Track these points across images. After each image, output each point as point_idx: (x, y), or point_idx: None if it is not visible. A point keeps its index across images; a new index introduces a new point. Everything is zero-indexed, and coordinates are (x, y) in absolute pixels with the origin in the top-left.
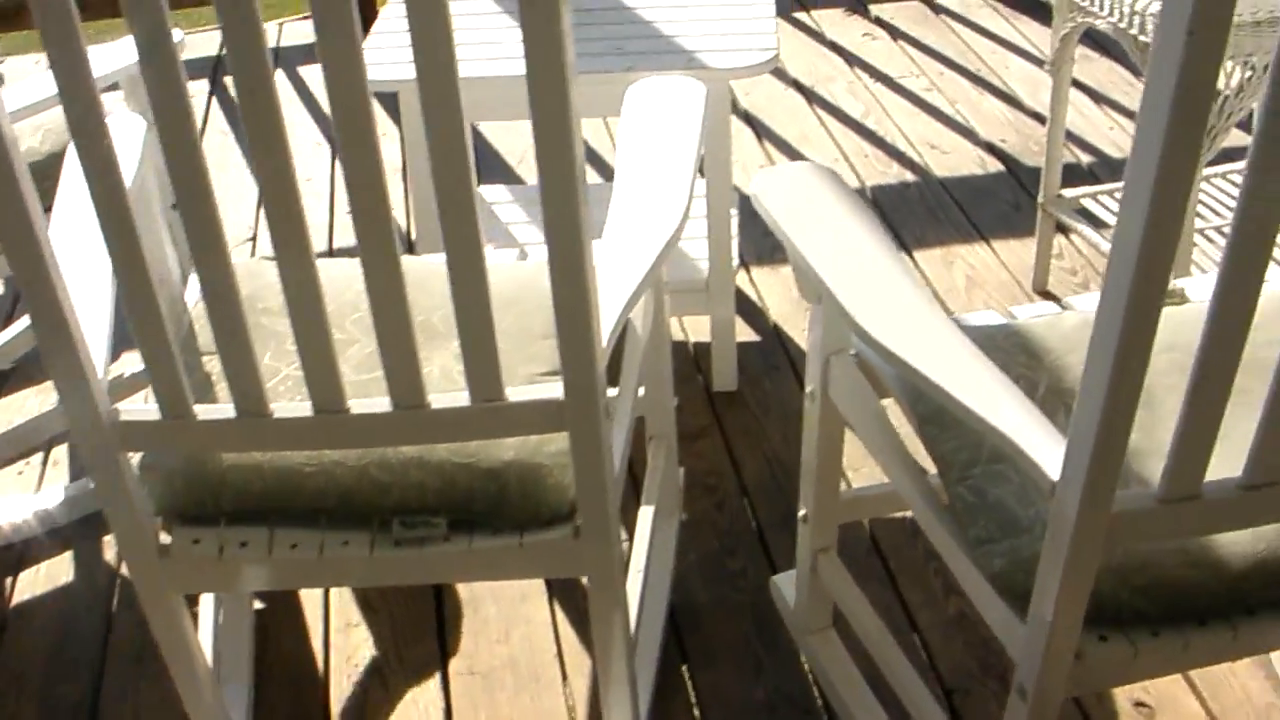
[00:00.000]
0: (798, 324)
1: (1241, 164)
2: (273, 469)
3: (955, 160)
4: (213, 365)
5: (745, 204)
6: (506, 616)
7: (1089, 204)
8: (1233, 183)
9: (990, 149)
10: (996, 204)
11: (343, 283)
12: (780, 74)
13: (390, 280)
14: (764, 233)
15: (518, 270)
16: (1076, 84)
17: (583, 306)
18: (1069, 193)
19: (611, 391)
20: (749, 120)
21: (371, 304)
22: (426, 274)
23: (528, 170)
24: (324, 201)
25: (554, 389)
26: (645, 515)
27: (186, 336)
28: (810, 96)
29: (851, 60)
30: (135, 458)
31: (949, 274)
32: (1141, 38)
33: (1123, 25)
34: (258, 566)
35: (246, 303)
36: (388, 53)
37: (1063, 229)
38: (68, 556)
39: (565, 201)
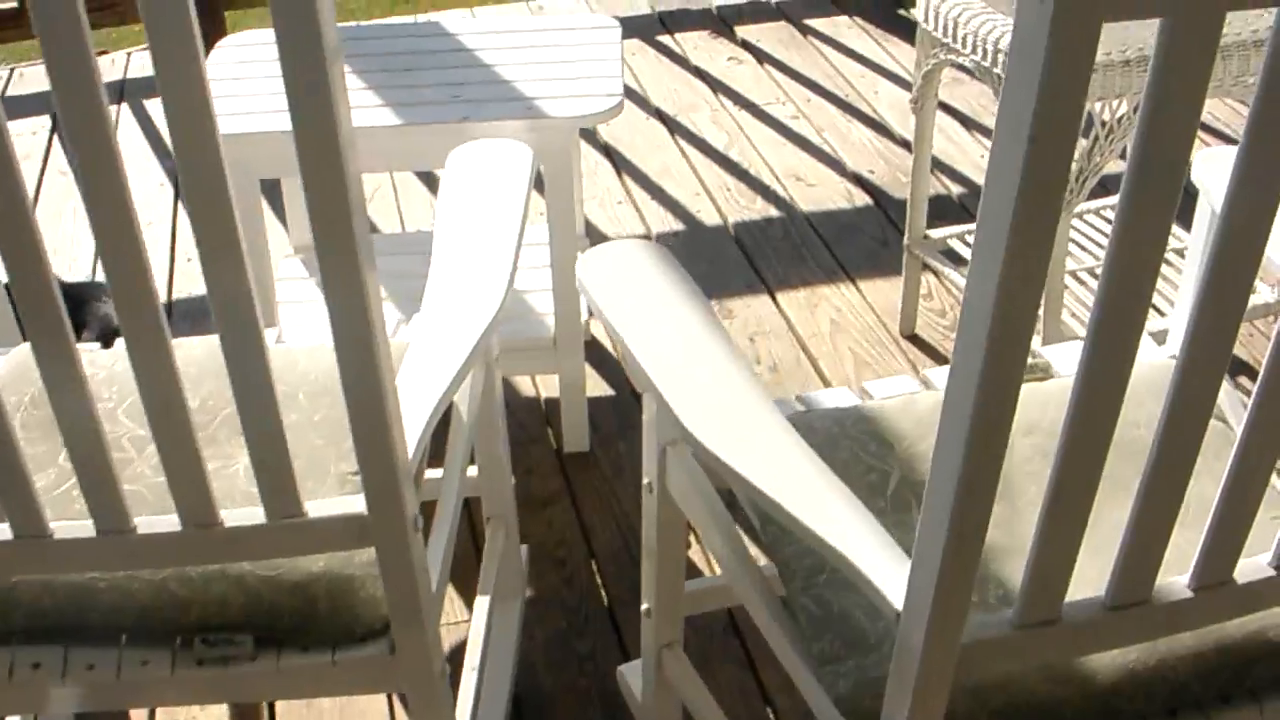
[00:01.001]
0: None
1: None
2: (64, 585)
3: (821, 193)
4: None
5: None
6: (341, 707)
7: (956, 245)
8: (1106, 219)
9: (858, 180)
10: (863, 240)
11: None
12: (643, 103)
13: (162, 378)
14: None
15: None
16: (946, 108)
17: (380, 419)
18: (936, 232)
19: (436, 473)
20: (608, 153)
21: (146, 408)
22: None
23: (401, 214)
24: (164, 247)
25: (357, 502)
26: (482, 605)
27: None
28: (672, 126)
29: (716, 86)
30: None
31: (813, 318)
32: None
33: (985, 64)
34: (53, 689)
35: (41, 396)
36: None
37: (931, 268)
38: None
39: (349, 293)
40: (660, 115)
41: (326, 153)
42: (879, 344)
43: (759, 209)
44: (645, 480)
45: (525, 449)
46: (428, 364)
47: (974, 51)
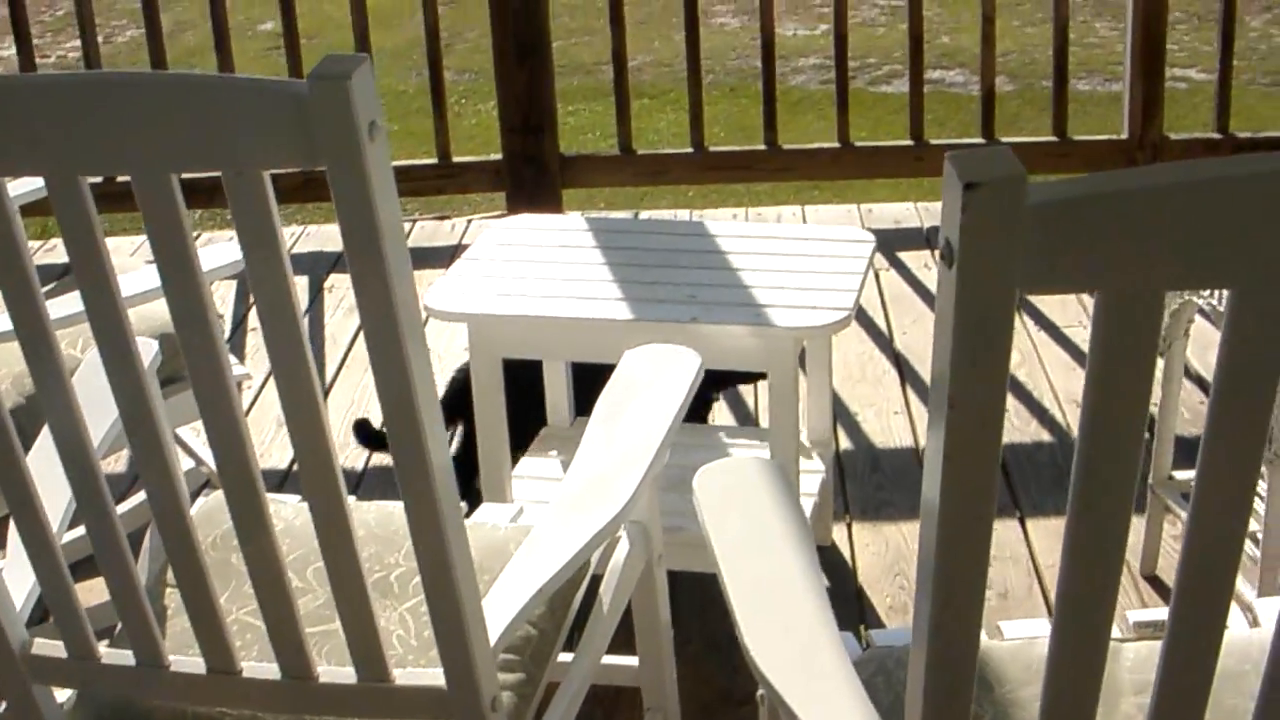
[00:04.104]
0: (883, 588)
1: None
2: (194, 715)
3: None
4: (173, 598)
5: (856, 454)
6: None
7: None
8: None
9: None
10: None
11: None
12: None
13: (262, 532)
14: (877, 486)
15: (493, 534)
16: None
17: (453, 604)
18: (1183, 474)
19: (566, 657)
20: (898, 361)
21: (247, 560)
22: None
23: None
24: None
25: (437, 675)
26: None
27: (162, 568)
28: None
29: (1021, 305)
30: None
31: (1057, 548)
32: None
33: (1222, 308)
34: None
35: (223, 540)
36: (467, 281)
37: (1174, 511)
38: None
39: (420, 490)
40: None
41: (390, 347)
42: None
43: (1032, 432)
44: (760, 692)
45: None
46: (538, 555)
47: (1212, 296)
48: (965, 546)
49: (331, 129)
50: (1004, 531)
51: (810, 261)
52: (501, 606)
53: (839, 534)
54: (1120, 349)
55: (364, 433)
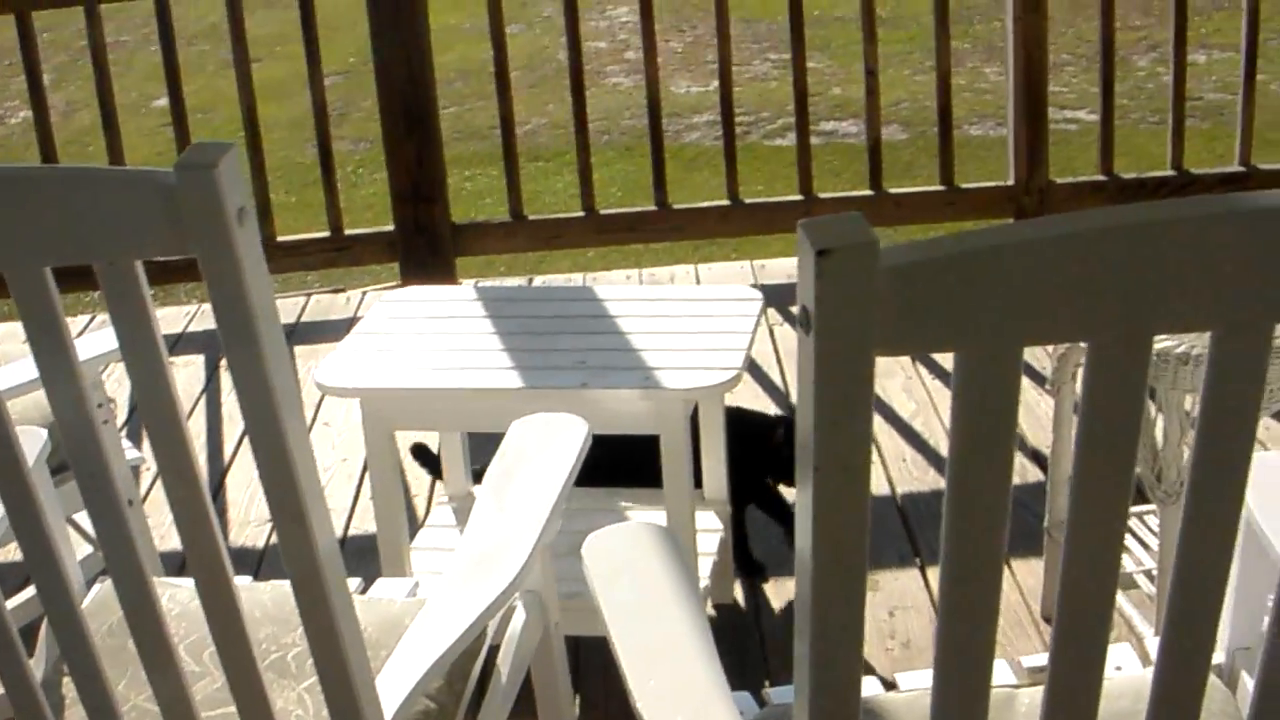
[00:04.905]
0: (788, 643)
1: None
2: None
3: None
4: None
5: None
6: None
7: None
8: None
9: (1035, 456)
10: (1024, 517)
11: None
12: None
13: (152, 623)
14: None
15: (389, 609)
16: None
17: (345, 683)
18: None
19: None
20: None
21: (138, 650)
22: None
23: None
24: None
25: None
26: None
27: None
28: None
29: (918, 355)
30: None
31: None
32: None
33: None
34: None
35: (120, 626)
36: (357, 356)
37: None
38: None
39: (305, 570)
40: None
41: (268, 429)
42: (1017, 624)
43: (930, 480)
44: None
45: None
46: (432, 628)
47: None
48: (839, 601)
49: (200, 217)
50: (905, 580)
51: (699, 322)
52: (397, 681)
53: (739, 590)
54: (981, 405)
55: (423, 455)
